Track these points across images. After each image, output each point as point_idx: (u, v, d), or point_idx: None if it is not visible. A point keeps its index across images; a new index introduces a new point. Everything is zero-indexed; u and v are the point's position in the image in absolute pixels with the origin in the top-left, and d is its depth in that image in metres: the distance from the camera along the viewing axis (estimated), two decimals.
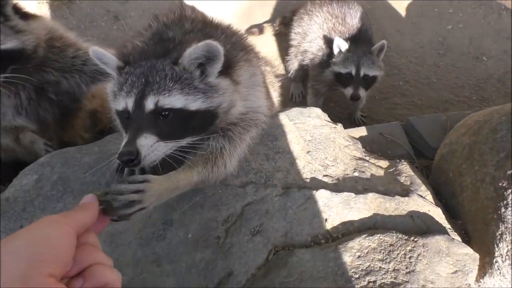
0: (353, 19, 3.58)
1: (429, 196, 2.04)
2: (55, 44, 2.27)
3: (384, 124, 2.90)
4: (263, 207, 1.74)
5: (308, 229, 1.73)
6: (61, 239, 0.82)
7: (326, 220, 1.76)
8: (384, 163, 2.21)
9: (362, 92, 3.34)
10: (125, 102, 1.54)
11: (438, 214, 1.95)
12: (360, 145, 2.25)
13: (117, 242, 1.67)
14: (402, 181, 2.09)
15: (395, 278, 1.60)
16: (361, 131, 2.71)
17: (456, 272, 1.70)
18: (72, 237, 0.84)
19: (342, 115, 3.81)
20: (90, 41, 2.90)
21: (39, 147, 2.27)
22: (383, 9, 4.60)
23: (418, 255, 1.69)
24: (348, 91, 3.35)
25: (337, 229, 1.76)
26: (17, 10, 2.11)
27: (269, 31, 4.47)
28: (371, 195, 1.87)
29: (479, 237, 1.88)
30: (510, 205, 1.74)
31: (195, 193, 1.74)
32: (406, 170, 2.15)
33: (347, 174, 2.00)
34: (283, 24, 4.33)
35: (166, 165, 1.54)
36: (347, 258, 1.62)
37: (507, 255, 1.73)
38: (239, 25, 3.00)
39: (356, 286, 1.54)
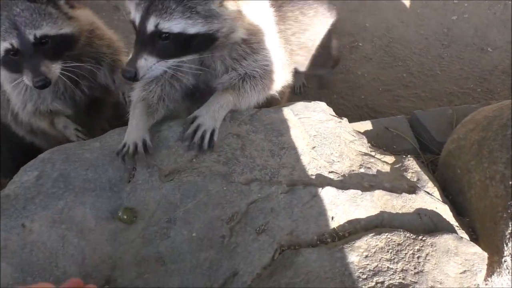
0: None
1: (436, 193, 2.01)
2: (95, 35, 2.36)
3: (390, 118, 2.85)
4: (268, 205, 1.70)
5: (314, 227, 1.69)
6: None
7: (332, 218, 1.72)
8: (390, 159, 2.17)
9: None
10: (135, 16, 1.68)
11: (445, 212, 1.92)
12: (365, 140, 2.21)
13: (119, 240, 1.64)
14: (408, 177, 2.05)
15: (403, 279, 1.58)
16: (366, 125, 2.66)
17: (464, 272, 1.67)
18: None
19: (346, 107, 3.76)
20: None
21: (70, 132, 2.33)
22: None
23: (427, 254, 1.66)
24: None
25: (343, 227, 1.73)
26: None
27: None
28: (377, 192, 1.84)
29: (488, 235, 1.85)
30: None
31: (199, 190, 1.70)
32: (412, 166, 2.12)
33: (353, 170, 1.97)
34: None
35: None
36: (354, 258, 1.59)
37: None
38: None
39: (363, 287, 1.52)
